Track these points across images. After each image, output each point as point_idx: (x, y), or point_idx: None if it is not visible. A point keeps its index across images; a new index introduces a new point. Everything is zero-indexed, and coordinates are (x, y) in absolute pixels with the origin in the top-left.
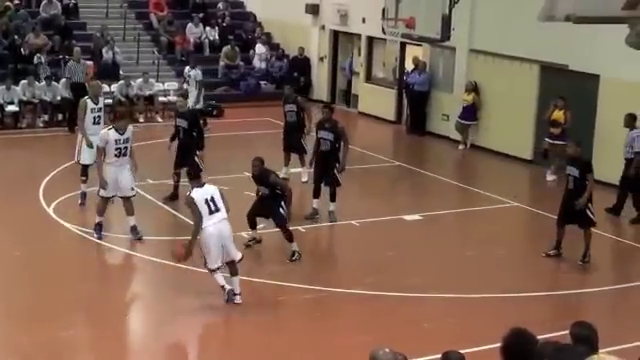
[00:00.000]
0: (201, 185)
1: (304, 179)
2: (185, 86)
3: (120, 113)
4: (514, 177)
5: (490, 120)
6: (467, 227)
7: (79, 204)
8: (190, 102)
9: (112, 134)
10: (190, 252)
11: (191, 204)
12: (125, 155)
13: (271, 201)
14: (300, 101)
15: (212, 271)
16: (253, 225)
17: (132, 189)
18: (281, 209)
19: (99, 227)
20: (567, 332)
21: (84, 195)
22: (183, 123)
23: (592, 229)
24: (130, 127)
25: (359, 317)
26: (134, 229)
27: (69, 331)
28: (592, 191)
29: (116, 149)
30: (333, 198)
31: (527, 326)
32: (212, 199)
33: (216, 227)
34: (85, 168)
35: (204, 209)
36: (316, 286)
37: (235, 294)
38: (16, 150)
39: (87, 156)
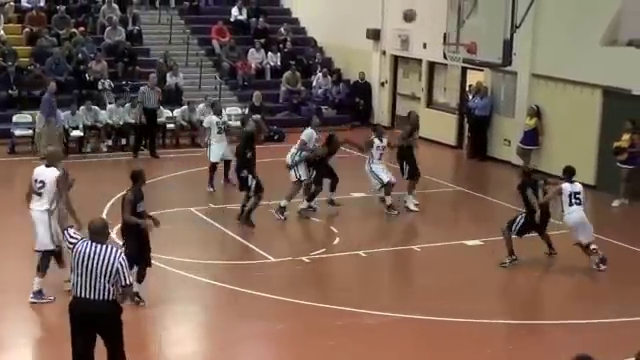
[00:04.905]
0: None
1: None
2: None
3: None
4: None
5: (552, 145)
6: (528, 253)
7: None
8: None
9: None
10: None
11: None
12: None
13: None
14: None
15: None
16: None
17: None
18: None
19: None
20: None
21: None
22: None
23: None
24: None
25: (420, 343)
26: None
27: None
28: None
29: None
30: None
31: (589, 353)
32: None
33: None
34: None
35: None
36: (377, 311)
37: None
38: (80, 174)
39: None
